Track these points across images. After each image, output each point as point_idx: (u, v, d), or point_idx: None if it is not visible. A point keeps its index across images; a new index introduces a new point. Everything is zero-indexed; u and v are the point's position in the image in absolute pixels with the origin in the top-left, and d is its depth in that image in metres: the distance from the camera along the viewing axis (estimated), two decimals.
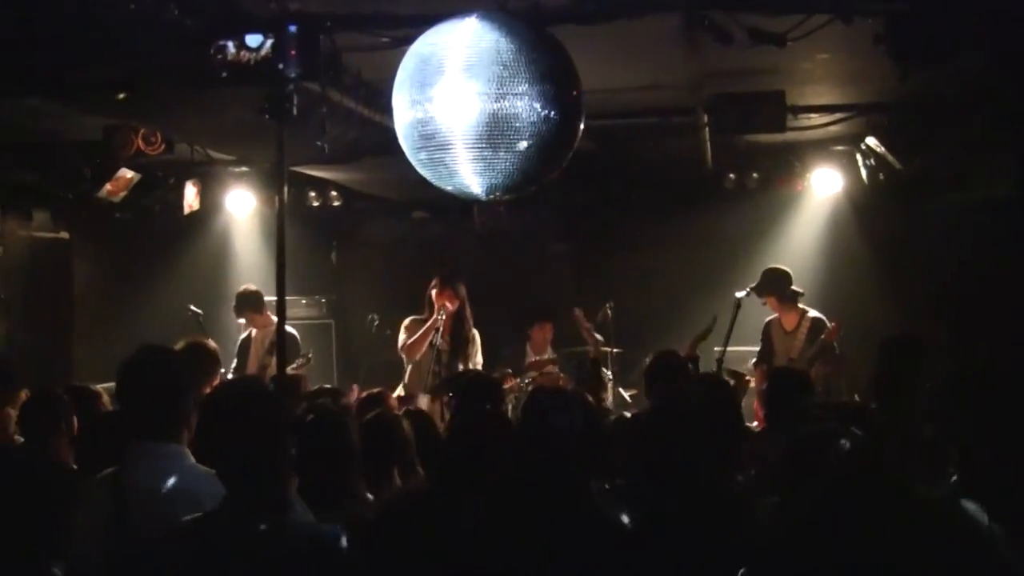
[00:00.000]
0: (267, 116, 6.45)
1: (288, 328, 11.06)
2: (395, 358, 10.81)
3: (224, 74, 6.33)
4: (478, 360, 10.61)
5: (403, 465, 5.71)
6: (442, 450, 5.29)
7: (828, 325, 10.64)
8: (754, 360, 11.14)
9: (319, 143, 7.84)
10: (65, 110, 8.71)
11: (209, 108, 8.38)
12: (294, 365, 11.21)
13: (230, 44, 6.27)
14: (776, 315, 11.06)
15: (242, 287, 11.72)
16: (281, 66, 6.29)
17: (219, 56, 6.29)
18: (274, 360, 10.73)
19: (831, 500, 3.15)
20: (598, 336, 10.01)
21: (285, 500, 3.95)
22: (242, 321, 11.62)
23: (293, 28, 6.28)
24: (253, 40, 6.25)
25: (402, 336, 10.53)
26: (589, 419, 4.62)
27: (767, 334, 11.12)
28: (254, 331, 11.51)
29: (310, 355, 11.39)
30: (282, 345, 6.61)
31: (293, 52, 6.28)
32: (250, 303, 11.43)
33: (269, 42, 6.26)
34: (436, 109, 5.70)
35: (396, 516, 4.82)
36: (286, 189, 6.78)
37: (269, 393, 4.20)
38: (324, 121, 7.46)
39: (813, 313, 10.92)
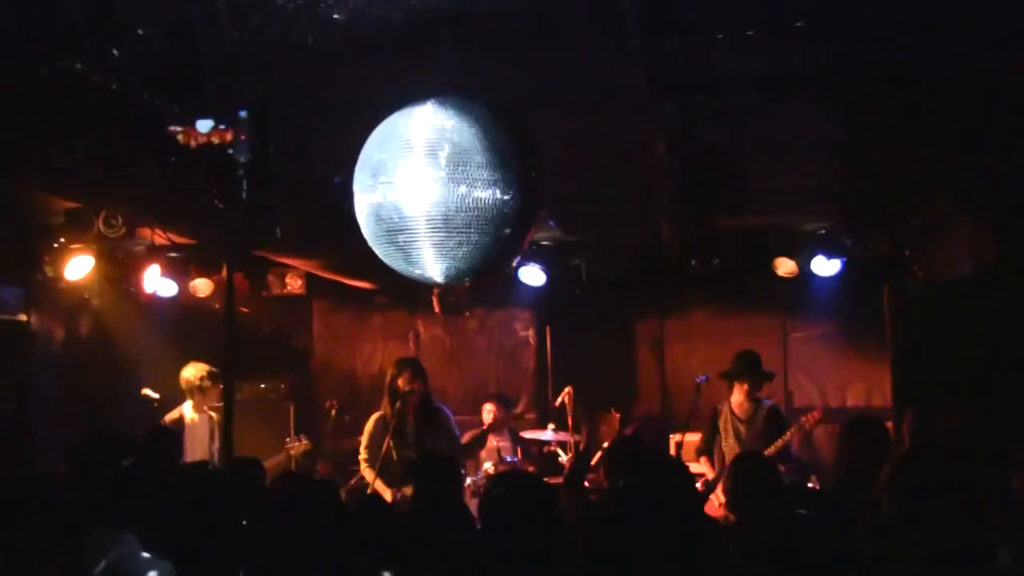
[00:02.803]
0: (217, 203, 6.39)
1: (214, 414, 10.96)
2: (353, 444, 10.74)
3: (174, 159, 6.30)
4: (455, 435, 10.50)
5: None
6: (401, 537, 5.24)
7: (783, 413, 10.67)
8: (697, 447, 10.66)
9: (276, 228, 7.84)
10: (26, 193, 8.66)
11: (171, 193, 8.36)
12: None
13: (181, 129, 6.23)
14: (728, 401, 10.78)
15: (190, 367, 11.22)
16: (231, 151, 6.24)
17: (171, 141, 6.24)
18: (217, 446, 10.63)
19: None
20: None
21: None
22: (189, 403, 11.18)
23: (243, 113, 6.25)
24: (203, 125, 6.21)
25: (364, 442, 10.48)
26: (550, 505, 4.59)
27: (714, 421, 10.75)
28: (186, 413, 11.02)
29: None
30: (229, 429, 6.49)
31: (243, 136, 6.24)
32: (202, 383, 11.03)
33: (221, 127, 6.22)
34: (397, 194, 5.68)
35: None
36: (244, 273, 6.70)
37: (227, 480, 4.13)
38: (280, 206, 7.45)
39: (769, 401, 10.79)
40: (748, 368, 10.63)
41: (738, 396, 10.71)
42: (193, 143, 6.20)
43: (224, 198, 6.31)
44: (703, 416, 10.66)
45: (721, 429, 10.71)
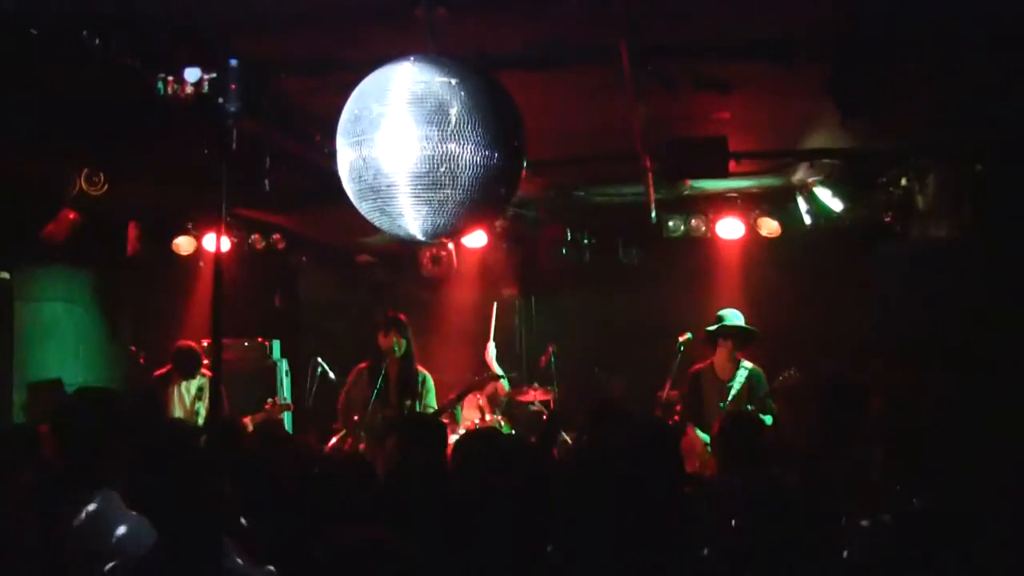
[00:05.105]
0: (207, 152, 6.30)
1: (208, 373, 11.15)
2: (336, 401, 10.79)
3: (161, 110, 6.20)
4: (430, 400, 10.54)
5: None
6: (380, 496, 5.27)
7: (763, 376, 10.27)
8: (681, 413, 10.18)
9: (263, 185, 7.79)
10: (5, 152, 8.60)
11: (150, 149, 8.31)
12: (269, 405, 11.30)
13: (168, 79, 6.13)
14: (707, 363, 10.44)
15: (179, 344, 11.46)
16: (221, 100, 6.14)
17: (156, 92, 6.14)
18: (205, 405, 10.79)
19: None
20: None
21: (219, 545, 3.91)
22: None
23: (234, 62, 6.15)
24: (191, 74, 6.10)
25: (343, 394, 10.69)
26: (534, 468, 4.59)
27: (696, 384, 10.36)
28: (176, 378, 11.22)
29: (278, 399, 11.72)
30: (218, 389, 6.47)
31: (233, 86, 6.13)
32: (188, 362, 11.26)
33: (208, 77, 6.12)
34: (379, 152, 5.64)
35: (336, 563, 4.76)
36: (229, 232, 6.65)
37: (203, 438, 4.15)
38: (266, 159, 7.40)
39: (749, 364, 10.34)
40: (731, 326, 10.34)
41: (721, 356, 10.37)
42: (181, 93, 6.10)
43: (215, 150, 6.18)
44: (683, 378, 10.47)
45: (704, 393, 10.31)
